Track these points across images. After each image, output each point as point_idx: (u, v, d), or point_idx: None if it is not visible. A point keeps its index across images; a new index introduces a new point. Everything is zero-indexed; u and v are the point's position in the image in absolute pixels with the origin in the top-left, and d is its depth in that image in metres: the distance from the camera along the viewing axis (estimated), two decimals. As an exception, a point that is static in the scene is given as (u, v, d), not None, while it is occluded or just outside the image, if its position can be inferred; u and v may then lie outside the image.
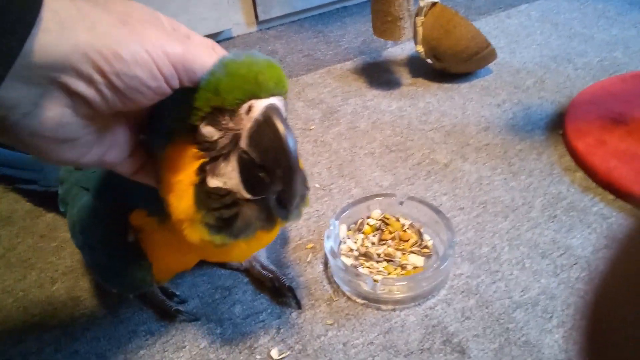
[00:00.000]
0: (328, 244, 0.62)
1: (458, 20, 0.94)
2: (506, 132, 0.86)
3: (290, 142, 0.36)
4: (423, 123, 0.90)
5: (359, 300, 0.61)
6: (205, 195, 0.39)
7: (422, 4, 0.95)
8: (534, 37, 1.14)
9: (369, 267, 0.63)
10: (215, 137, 0.38)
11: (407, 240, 0.66)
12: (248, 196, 0.39)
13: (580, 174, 0.76)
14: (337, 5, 1.38)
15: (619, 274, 0.18)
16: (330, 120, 0.93)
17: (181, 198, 0.40)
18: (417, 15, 0.97)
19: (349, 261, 0.64)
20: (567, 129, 0.82)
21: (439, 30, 0.94)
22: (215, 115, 0.38)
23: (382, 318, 0.59)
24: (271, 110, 0.37)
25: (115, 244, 0.51)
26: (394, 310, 0.59)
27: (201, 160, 0.39)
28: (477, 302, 0.59)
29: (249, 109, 0.37)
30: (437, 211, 0.65)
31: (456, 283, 0.62)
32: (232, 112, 0.38)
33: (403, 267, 0.63)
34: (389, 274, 0.62)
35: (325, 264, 0.66)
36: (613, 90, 0.89)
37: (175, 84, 0.36)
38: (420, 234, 0.67)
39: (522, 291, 0.60)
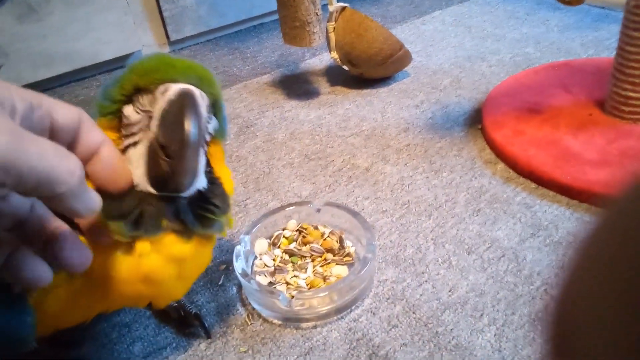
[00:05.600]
0: (238, 264, 0.56)
1: (369, 23, 0.92)
2: (426, 132, 0.83)
3: (192, 122, 0.36)
4: (343, 129, 0.87)
5: (276, 321, 0.54)
6: None
7: (331, 9, 0.93)
8: (449, 40, 1.14)
9: (287, 283, 0.58)
10: (133, 120, 0.38)
11: (329, 249, 0.61)
12: (152, 190, 0.38)
13: (501, 166, 0.74)
14: (254, 22, 1.35)
15: (584, 277, 0.16)
16: (246, 134, 0.88)
17: None
18: (328, 21, 0.94)
19: (265, 280, 0.58)
20: (485, 122, 0.80)
21: (350, 35, 0.92)
22: (138, 97, 0.38)
23: (302, 338, 0.52)
24: (185, 91, 0.38)
25: None
26: (315, 327, 0.53)
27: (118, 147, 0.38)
28: (404, 307, 0.54)
29: (165, 90, 0.38)
30: (355, 214, 0.61)
31: (381, 290, 0.57)
32: (151, 92, 0.38)
33: (326, 279, 0.58)
34: (310, 288, 0.57)
35: (240, 285, 0.59)
36: (527, 82, 0.90)
37: None
38: (341, 241, 0.62)
39: (450, 291, 0.56)
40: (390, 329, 0.52)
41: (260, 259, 0.60)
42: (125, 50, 1.16)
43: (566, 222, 0.63)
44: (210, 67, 1.13)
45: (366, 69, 0.96)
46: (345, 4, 0.94)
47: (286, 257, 0.61)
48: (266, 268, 0.59)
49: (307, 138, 0.86)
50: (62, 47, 1.08)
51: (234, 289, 0.59)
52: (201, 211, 0.41)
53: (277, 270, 0.59)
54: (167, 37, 1.22)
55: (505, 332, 0.51)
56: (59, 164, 0.28)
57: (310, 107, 0.94)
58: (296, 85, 1.03)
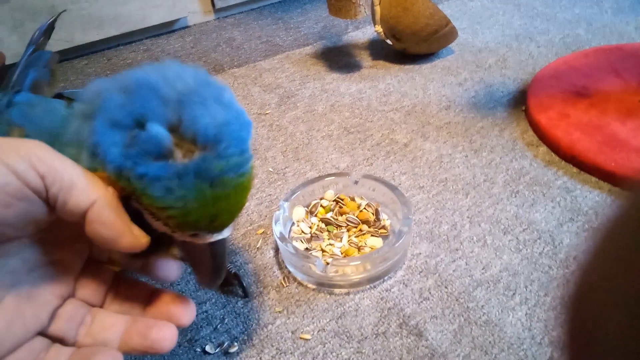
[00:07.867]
0: (277, 228, 0.58)
1: (416, -3, 0.90)
2: (468, 110, 0.83)
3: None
4: (383, 104, 0.87)
5: (310, 285, 0.56)
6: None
7: (378, -19, 0.92)
8: (496, 18, 1.12)
9: (322, 250, 0.59)
10: (154, 225, 0.33)
11: (364, 221, 0.62)
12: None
13: (543, 149, 0.73)
14: (298, -7, 1.35)
15: (605, 262, 0.16)
16: (287, 105, 0.89)
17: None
18: (374, -6, 0.93)
19: (301, 245, 0.60)
20: (529, 104, 0.79)
21: (396, 9, 0.91)
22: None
23: (335, 303, 0.54)
24: (217, 245, 0.35)
25: None
26: (347, 294, 0.55)
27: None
28: (436, 281, 0.55)
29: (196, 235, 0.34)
30: (393, 188, 0.62)
31: (414, 263, 0.58)
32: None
33: (360, 249, 0.59)
34: (345, 257, 0.58)
35: (276, 249, 0.61)
36: (576, 64, 0.87)
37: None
38: (377, 214, 0.63)
39: (483, 269, 0.56)
40: (421, 301, 0.53)
41: (298, 226, 0.62)
42: (171, 16, 1.18)
43: (607, 209, 0.62)
44: (253, 37, 1.14)
45: (410, 44, 0.95)
46: (393, -23, 0.93)
47: (322, 225, 0.62)
48: (303, 234, 0.61)
49: (347, 111, 0.86)
50: (111, 10, 1.11)
51: (271, 252, 0.61)
52: None
53: (313, 237, 0.60)
54: (213, 4, 1.23)
55: (537, 312, 0.51)
56: (85, 176, 0.29)
57: (352, 80, 0.95)
58: (338, 58, 1.03)
